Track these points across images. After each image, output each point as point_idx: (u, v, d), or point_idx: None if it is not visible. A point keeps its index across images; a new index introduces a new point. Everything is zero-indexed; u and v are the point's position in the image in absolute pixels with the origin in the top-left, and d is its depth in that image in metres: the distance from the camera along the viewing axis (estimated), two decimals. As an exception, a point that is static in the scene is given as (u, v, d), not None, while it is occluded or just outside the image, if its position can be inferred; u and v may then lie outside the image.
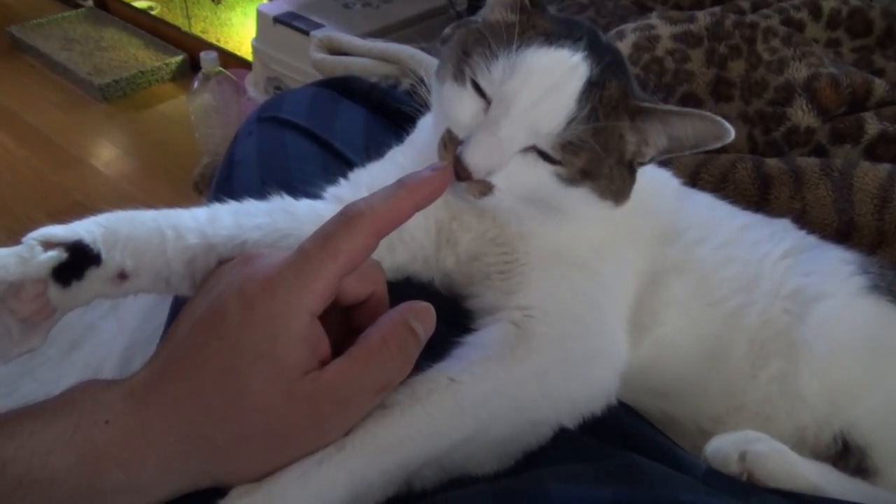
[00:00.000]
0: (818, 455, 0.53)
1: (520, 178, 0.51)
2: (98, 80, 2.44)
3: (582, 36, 0.53)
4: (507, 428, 0.47)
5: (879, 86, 0.88)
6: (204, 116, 2.02)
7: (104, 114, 2.42)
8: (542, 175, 0.51)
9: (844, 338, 0.56)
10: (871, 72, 0.97)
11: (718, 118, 0.50)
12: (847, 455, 0.53)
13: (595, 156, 0.51)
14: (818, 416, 0.54)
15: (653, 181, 0.64)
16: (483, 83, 0.51)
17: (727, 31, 0.95)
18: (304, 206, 0.57)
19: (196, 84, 2.01)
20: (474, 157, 0.49)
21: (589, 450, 0.47)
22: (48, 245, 0.45)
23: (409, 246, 0.57)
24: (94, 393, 0.41)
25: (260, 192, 0.57)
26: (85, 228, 0.47)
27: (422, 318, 0.43)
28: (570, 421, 0.49)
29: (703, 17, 0.96)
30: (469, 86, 0.52)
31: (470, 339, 0.51)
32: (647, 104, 0.53)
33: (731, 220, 0.65)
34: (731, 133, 0.50)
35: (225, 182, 0.71)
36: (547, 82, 0.50)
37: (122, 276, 0.48)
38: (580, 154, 0.50)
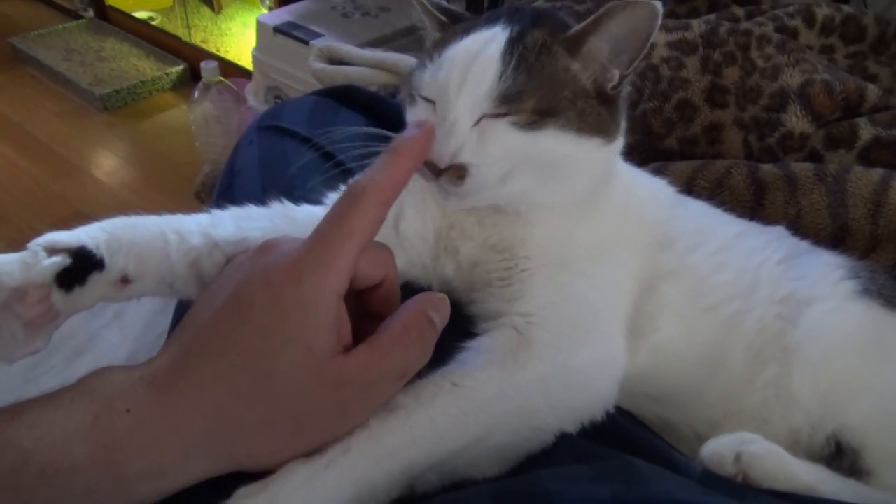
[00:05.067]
0: (812, 456, 0.54)
1: (485, 145, 0.51)
2: (99, 90, 2.46)
3: (500, 16, 0.56)
4: (509, 434, 0.48)
5: (872, 91, 0.89)
6: (204, 126, 2.04)
7: (105, 123, 2.43)
8: (501, 130, 0.51)
9: (836, 341, 0.57)
10: (864, 78, 0.98)
11: None
12: (841, 456, 0.54)
13: (542, 94, 0.52)
14: (811, 418, 0.55)
15: (648, 189, 0.65)
16: (424, 92, 0.55)
17: (722, 39, 0.96)
18: (303, 211, 0.58)
19: (196, 93, 2.02)
20: (433, 149, 0.50)
21: (587, 452, 0.48)
22: (52, 251, 0.46)
23: (408, 252, 0.58)
24: (112, 381, 0.41)
25: (261, 201, 0.58)
26: (88, 234, 0.48)
27: (438, 308, 0.45)
28: (571, 427, 0.50)
29: (697, 25, 0.97)
30: (419, 101, 0.55)
31: (472, 344, 0.51)
32: (570, 31, 0.54)
33: (725, 227, 0.65)
34: (660, 7, 0.50)
35: (226, 191, 0.72)
36: (468, 59, 0.53)
37: (125, 280, 0.48)
38: (524, 98, 0.51)
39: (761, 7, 1.16)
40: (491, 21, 0.56)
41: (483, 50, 0.53)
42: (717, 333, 0.58)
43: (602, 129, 0.55)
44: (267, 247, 0.45)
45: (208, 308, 0.43)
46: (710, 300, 0.59)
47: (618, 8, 0.51)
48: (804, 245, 0.66)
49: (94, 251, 0.47)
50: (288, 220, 0.56)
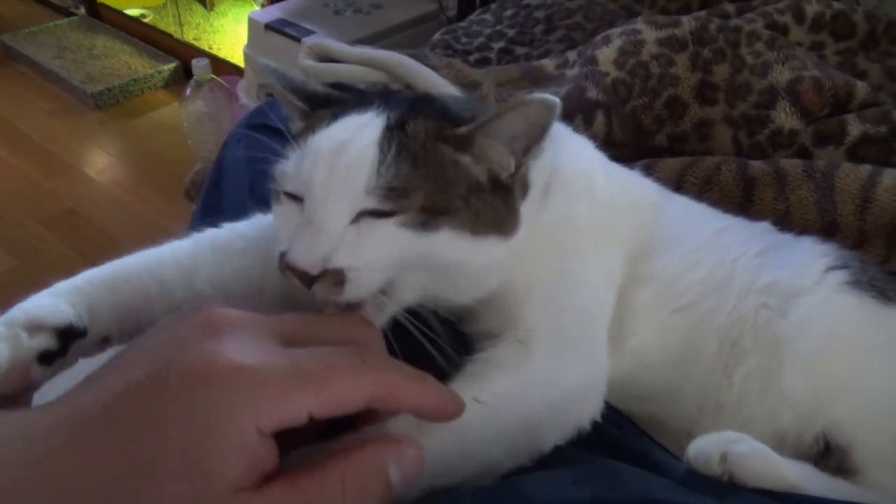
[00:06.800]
0: (800, 455, 0.53)
1: (366, 247, 0.44)
2: (90, 87, 2.45)
3: (371, 101, 0.50)
4: (505, 447, 0.47)
5: (861, 88, 0.89)
6: (196, 123, 2.03)
7: (97, 121, 2.42)
8: (387, 231, 0.44)
9: (828, 335, 0.56)
10: (854, 74, 0.98)
11: (534, 97, 0.46)
12: (828, 455, 0.53)
13: (432, 190, 0.45)
14: (800, 415, 0.54)
15: (629, 192, 0.63)
16: (288, 187, 0.47)
17: (711, 36, 0.96)
18: None
19: (188, 91, 2.02)
20: (299, 254, 0.43)
21: (568, 455, 0.48)
22: (33, 329, 0.44)
23: None
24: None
25: (248, 199, 0.58)
26: (68, 298, 0.46)
27: (406, 464, 0.36)
28: (564, 438, 0.49)
29: (687, 22, 0.97)
30: (283, 199, 0.48)
31: (480, 356, 0.50)
32: (460, 130, 0.48)
33: (705, 225, 0.65)
34: (556, 103, 0.46)
35: (213, 188, 0.72)
36: (336, 148, 0.46)
37: (106, 340, 0.48)
38: (411, 194, 0.45)
39: (752, 4, 1.16)
40: (361, 106, 0.49)
41: (354, 138, 0.46)
42: (690, 332, 0.58)
43: (498, 225, 0.49)
44: (211, 324, 0.36)
45: (121, 373, 0.35)
46: (682, 301, 0.59)
47: (509, 109, 0.47)
48: (787, 237, 0.66)
49: (78, 325, 0.46)
50: (269, 245, 0.51)
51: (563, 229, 0.56)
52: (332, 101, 0.53)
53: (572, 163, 0.59)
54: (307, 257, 0.43)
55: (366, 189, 0.44)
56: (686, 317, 0.58)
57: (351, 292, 0.44)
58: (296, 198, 0.47)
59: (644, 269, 0.59)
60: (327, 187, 0.44)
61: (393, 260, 0.45)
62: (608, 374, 0.53)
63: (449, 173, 0.47)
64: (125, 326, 0.48)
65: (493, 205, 0.49)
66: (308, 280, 0.43)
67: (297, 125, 0.54)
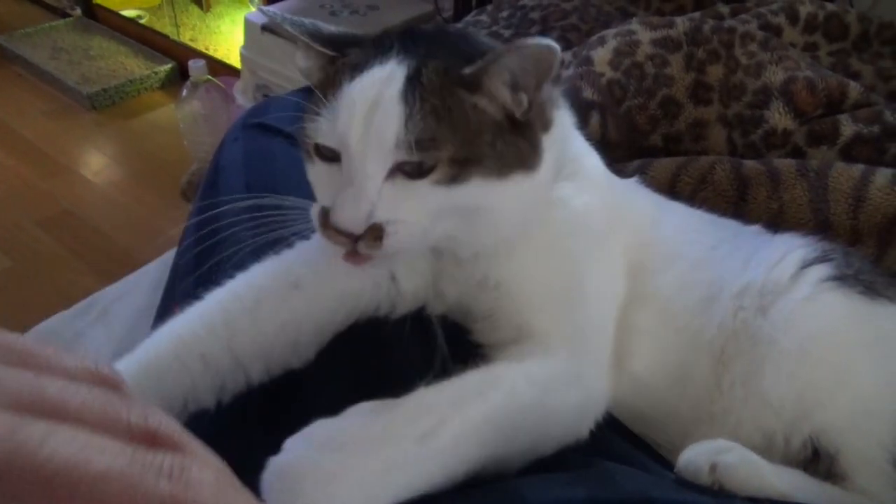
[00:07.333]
0: (790, 460, 0.53)
1: (404, 203, 0.47)
2: (86, 88, 2.44)
3: (392, 44, 0.51)
4: (523, 441, 0.47)
5: (854, 88, 0.90)
6: (192, 124, 2.03)
7: (93, 122, 2.42)
8: (423, 191, 0.47)
9: (813, 335, 0.55)
10: (847, 75, 0.99)
11: (533, 40, 0.47)
12: (817, 460, 0.53)
13: (460, 141, 0.47)
14: (784, 419, 0.54)
15: (631, 202, 0.63)
16: (322, 141, 0.49)
17: (706, 36, 0.96)
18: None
19: (184, 92, 2.02)
20: (343, 215, 0.46)
21: (562, 459, 0.48)
22: None
23: (406, 300, 0.56)
24: None
25: (245, 198, 0.58)
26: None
27: None
28: (566, 442, 0.50)
29: (682, 23, 0.98)
30: (316, 156, 0.50)
31: (506, 352, 0.50)
32: (465, 71, 0.49)
33: (701, 240, 0.64)
34: (552, 45, 0.46)
35: (211, 188, 0.72)
36: (367, 104, 0.47)
37: None
38: (441, 145, 0.47)
39: (746, 5, 1.16)
40: (383, 53, 0.50)
41: (382, 94, 0.47)
42: (686, 352, 0.58)
43: (522, 162, 0.50)
44: None
45: None
46: (679, 321, 0.59)
47: (506, 51, 0.48)
48: (769, 237, 0.65)
49: None
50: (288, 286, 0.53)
51: (573, 224, 0.55)
52: (351, 42, 0.54)
53: (583, 158, 0.60)
54: (352, 217, 0.46)
55: (395, 144, 0.46)
56: (683, 336, 0.58)
57: (390, 246, 0.47)
58: (327, 155, 0.49)
59: (644, 289, 0.59)
60: (363, 146, 0.47)
61: (428, 211, 0.48)
62: (609, 391, 0.53)
63: (472, 120, 0.49)
64: (172, 411, 0.48)
65: (517, 143, 0.50)
66: (354, 238, 0.47)
67: (314, 76, 0.54)
